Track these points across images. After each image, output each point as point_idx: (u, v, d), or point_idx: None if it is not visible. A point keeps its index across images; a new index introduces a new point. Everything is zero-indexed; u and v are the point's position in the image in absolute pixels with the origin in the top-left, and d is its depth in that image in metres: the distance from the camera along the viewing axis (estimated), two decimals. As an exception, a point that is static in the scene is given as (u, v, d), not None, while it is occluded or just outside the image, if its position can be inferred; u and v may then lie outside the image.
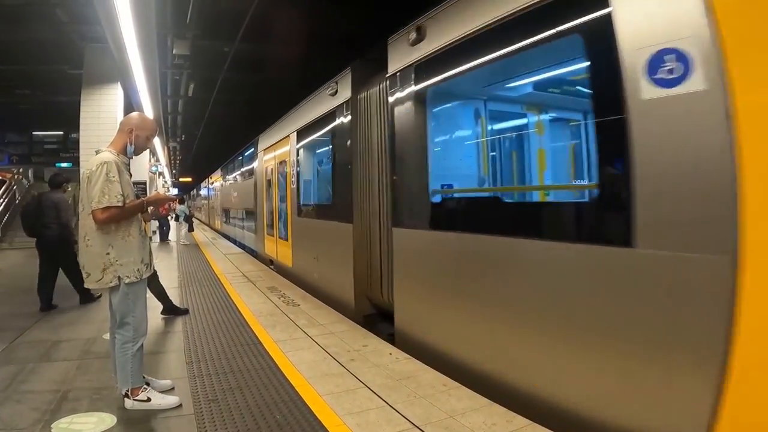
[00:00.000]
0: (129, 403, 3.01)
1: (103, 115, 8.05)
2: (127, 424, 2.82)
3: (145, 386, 3.07)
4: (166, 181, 33.68)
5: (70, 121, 12.46)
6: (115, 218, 2.90)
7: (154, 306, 5.32)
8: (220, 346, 4.28)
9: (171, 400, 3.08)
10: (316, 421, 2.82)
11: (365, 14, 7.78)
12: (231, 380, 3.46)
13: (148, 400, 3.02)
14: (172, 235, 16.34)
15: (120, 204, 2.88)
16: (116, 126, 8.44)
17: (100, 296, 6.09)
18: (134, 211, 3.03)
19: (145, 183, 6.44)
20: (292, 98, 8.30)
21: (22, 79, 11.99)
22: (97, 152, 3.04)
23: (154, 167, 21.45)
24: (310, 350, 4.17)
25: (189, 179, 42.00)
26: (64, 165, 25.02)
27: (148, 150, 18.53)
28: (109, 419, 2.86)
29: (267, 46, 10.18)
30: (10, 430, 2.73)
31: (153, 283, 5.38)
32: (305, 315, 5.38)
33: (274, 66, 11.29)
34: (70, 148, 23.88)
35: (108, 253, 2.92)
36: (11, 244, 14.19)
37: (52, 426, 2.77)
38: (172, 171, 40.51)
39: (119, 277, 2.93)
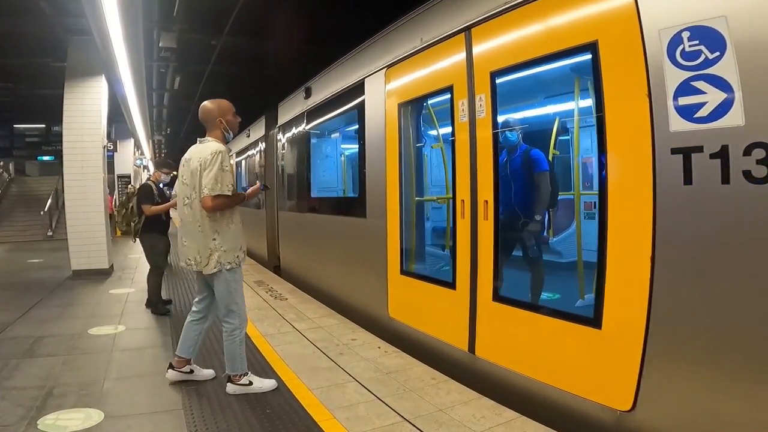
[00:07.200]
0: (231, 388, 3.13)
1: (86, 108, 7.85)
2: (115, 420, 2.80)
3: (246, 371, 3.20)
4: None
5: (53, 113, 12.21)
6: (223, 206, 3.05)
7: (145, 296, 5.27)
8: (207, 341, 4.23)
9: (269, 383, 3.23)
10: (306, 415, 2.83)
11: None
12: (220, 374, 3.44)
13: (250, 383, 3.16)
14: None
15: (229, 193, 3.03)
16: (100, 119, 8.18)
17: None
18: (237, 201, 3.19)
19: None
20: (279, 91, 8.32)
21: (4, 72, 11.70)
22: (201, 142, 3.17)
23: (138, 160, 21.16)
24: (299, 344, 4.17)
25: (174, 173, 41.56)
26: (45, 158, 24.60)
27: (132, 143, 18.24)
28: (97, 415, 2.84)
29: (254, 39, 10.11)
30: (-5, 426, 2.70)
31: (153, 274, 5.33)
32: (293, 309, 5.38)
33: (262, 59, 11.20)
34: (52, 141, 23.48)
35: (214, 239, 3.05)
36: (-8, 239, 13.92)
37: (38, 422, 2.74)
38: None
39: (221, 263, 3.04)
